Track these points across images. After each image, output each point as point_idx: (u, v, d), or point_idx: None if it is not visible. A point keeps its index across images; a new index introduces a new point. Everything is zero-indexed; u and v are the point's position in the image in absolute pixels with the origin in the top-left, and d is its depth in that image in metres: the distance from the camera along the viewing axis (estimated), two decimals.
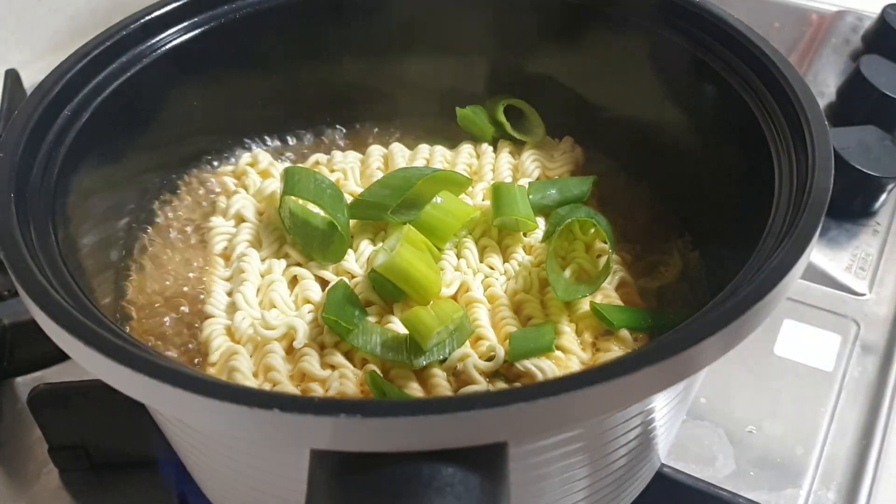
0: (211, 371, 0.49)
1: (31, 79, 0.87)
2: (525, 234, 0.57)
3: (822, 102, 0.86)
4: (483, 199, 0.59)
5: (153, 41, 0.56)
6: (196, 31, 0.57)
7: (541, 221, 0.58)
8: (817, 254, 0.72)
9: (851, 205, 0.76)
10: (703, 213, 0.56)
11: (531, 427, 0.33)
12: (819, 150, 0.44)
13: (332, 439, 0.33)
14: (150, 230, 0.58)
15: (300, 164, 0.62)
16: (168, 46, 0.56)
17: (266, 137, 0.66)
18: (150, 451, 0.57)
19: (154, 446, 0.54)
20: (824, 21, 0.99)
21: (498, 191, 0.57)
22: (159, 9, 0.56)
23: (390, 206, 0.54)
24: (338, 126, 0.68)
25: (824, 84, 0.88)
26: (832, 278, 0.71)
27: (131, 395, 0.35)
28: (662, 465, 0.56)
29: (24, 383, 0.66)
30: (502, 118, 0.64)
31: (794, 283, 0.39)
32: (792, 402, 0.62)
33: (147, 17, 0.55)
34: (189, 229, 0.58)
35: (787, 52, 0.95)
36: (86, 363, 0.36)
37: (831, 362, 0.65)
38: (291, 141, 0.66)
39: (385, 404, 0.33)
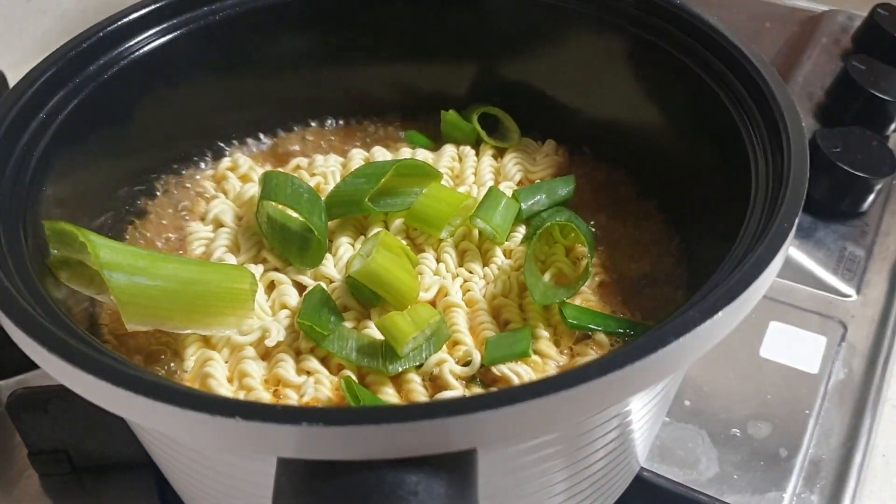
0: (186, 377, 0.49)
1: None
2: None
3: (811, 103, 0.85)
4: None
5: (130, 43, 0.55)
6: (174, 34, 0.57)
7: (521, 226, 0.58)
8: (804, 255, 0.72)
9: (839, 205, 0.75)
10: (685, 212, 0.56)
11: (498, 434, 0.33)
12: (795, 152, 0.44)
13: (296, 447, 0.33)
14: (126, 237, 0.57)
15: (280, 169, 0.62)
16: (145, 49, 0.56)
17: (246, 140, 0.65)
18: (132, 454, 0.57)
19: (135, 449, 0.54)
20: (814, 21, 0.98)
21: (489, 194, 0.57)
22: (137, 11, 0.55)
23: (368, 192, 0.54)
24: (317, 127, 0.67)
25: (813, 84, 0.88)
26: (819, 279, 0.71)
27: (93, 401, 0.35)
28: (642, 468, 0.55)
29: (6, 387, 0.65)
30: (477, 126, 0.64)
31: (768, 284, 0.39)
32: (777, 405, 0.62)
33: (125, 20, 0.55)
34: (166, 234, 0.58)
35: (777, 52, 0.94)
36: (46, 367, 0.36)
37: (817, 364, 0.65)
38: (270, 143, 0.66)
39: (348, 412, 0.32)
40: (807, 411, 0.62)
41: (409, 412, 0.32)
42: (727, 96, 0.51)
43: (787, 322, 0.68)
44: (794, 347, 0.66)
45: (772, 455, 0.59)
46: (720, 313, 0.36)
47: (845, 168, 0.73)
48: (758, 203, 0.44)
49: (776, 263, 0.39)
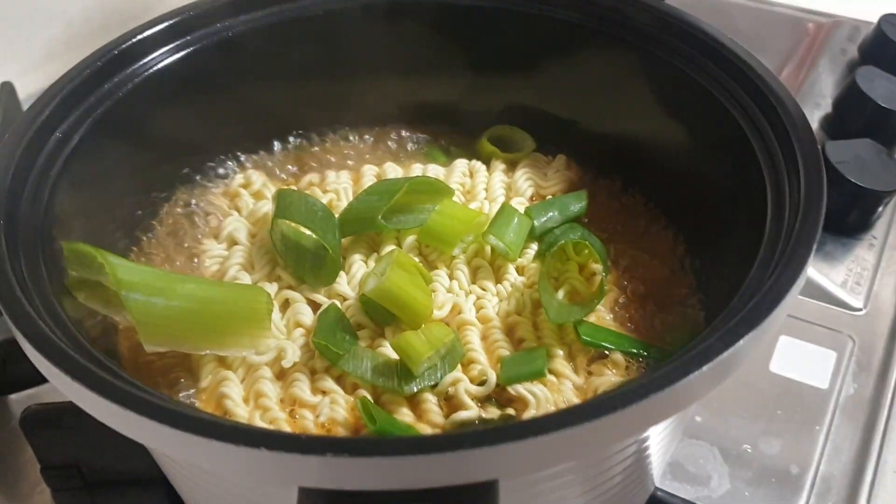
0: (201, 397, 0.49)
1: (27, 89, 0.87)
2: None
3: (819, 114, 0.85)
4: None
5: (145, 60, 0.56)
6: (188, 50, 0.57)
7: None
8: (812, 269, 0.71)
9: (847, 219, 0.75)
10: (699, 229, 0.56)
11: (521, 465, 0.33)
12: (810, 175, 0.44)
13: (319, 477, 0.33)
14: (140, 255, 0.57)
15: (292, 186, 0.62)
16: (161, 65, 0.56)
17: (259, 153, 0.65)
18: (144, 470, 0.57)
19: (147, 465, 0.54)
20: (821, 30, 0.98)
21: (502, 211, 0.57)
22: (151, 28, 0.56)
23: (381, 209, 0.54)
24: (330, 140, 0.67)
25: (821, 95, 0.88)
26: (828, 293, 0.71)
27: (116, 429, 0.35)
28: (656, 488, 0.55)
29: (18, 401, 0.65)
30: (491, 148, 0.64)
31: (788, 309, 0.39)
32: (787, 420, 0.61)
33: (139, 36, 0.55)
34: (179, 252, 0.58)
35: (784, 62, 0.94)
36: (68, 392, 0.36)
37: (826, 379, 0.65)
38: (282, 156, 0.66)
39: (373, 443, 0.32)
40: (817, 427, 0.62)
41: (434, 444, 0.32)
42: (741, 115, 0.51)
43: (796, 336, 0.68)
44: (804, 362, 0.66)
45: (783, 471, 0.59)
46: (742, 341, 0.36)
47: (853, 181, 0.73)
48: (774, 224, 0.44)
49: (796, 288, 0.39)
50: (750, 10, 1.02)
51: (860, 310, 0.70)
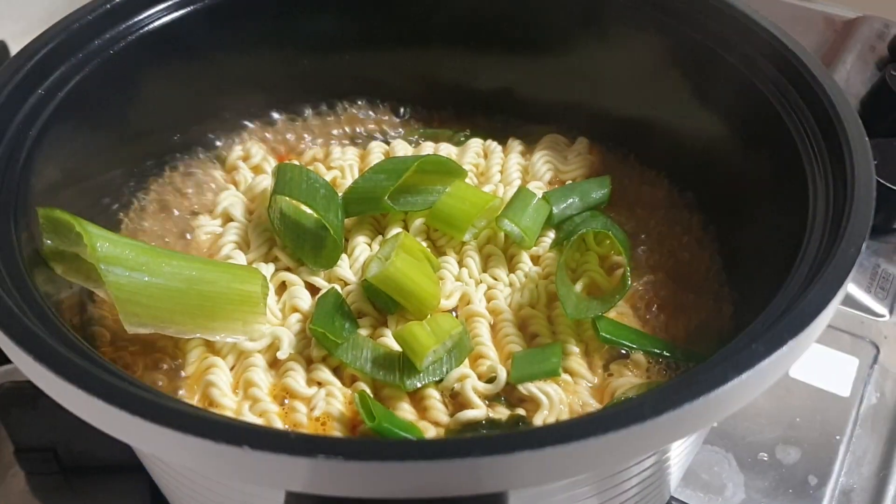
0: (186, 385, 0.45)
1: None
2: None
3: None
4: None
5: (140, 17, 0.52)
6: (187, 9, 0.53)
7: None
8: None
9: (872, 220, 0.72)
10: (732, 225, 0.53)
11: (535, 476, 0.30)
12: (860, 172, 0.40)
13: (308, 482, 0.29)
14: (124, 228, 0.54)
15: (294, 160, 0.58)
16: (157, 23, 0.53)
17: (256, 124, 0.61)
18: (124, 457, 0.54)
19: (128, 453, 0.51)
20: (848, 27, 0.96)
21: (518, 194, 0.53)
22: None
23: (387, 189, 0.51)
24: (330, 113, 0.63)
25: (849, 93, 0.85)
26: (851, 297, 0.68)
27: (81, 417, 0.32)
28: (672, 498, 0.52)
29: None
30: None
31: (832, 314, 0.36)
32: (807, 428, 0.59)
33: None
34: (168, 226, 0.54)
35: None
36: (32, 376, 0.34)
37: (848, 387, 0.63)
38: (281, 128, 0.62)
39: (370, 445, 0.29)
40: (837, 436, 0.59)
41: (440, 449, 0.28)
42: (781, 105, 0.47)
43: (818, 341, 0.64)
44: (825, 368, 0.63)
45: (801, 482, 0.57)
46: (786, 347, 0.32)
47: (881, 181, 0.70)
48: (817, 225, 0.40)
49: (842, 292, 0.36)
50: (777, 6, 1.00)
51: (884, 316, 0.68)
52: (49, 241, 0.42)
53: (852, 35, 0.93)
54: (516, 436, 0.29)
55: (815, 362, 0.63)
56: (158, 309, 0.41)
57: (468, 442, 0.29)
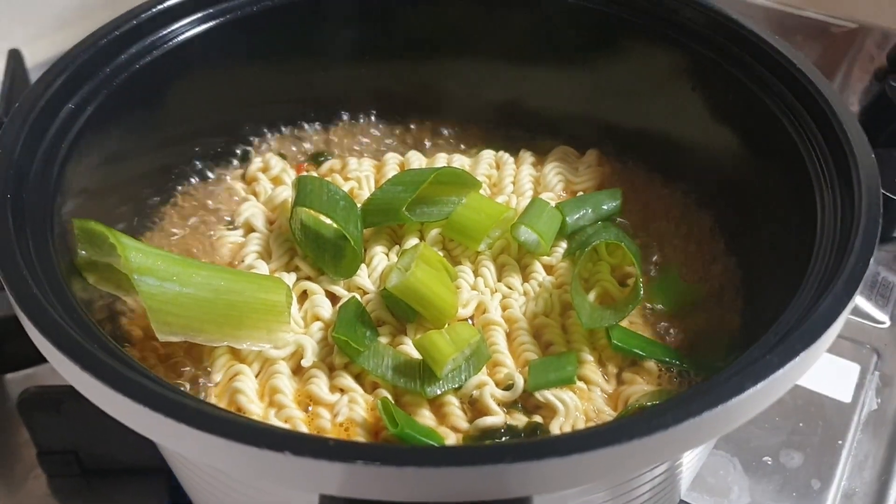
0: (213, 391, 0.46)
1: (35, 57, 0.84)
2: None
3: None
4: None
5: (165, 32, 0.53)
6: (211, 24, 0.55)
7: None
8: None
9: None
10: (743, 237, 0.54)
11: (560, 482, 0.31)
12: (866, 186, 0.42)
13: (343, 486, 0.31)
14: (151, 237, 0.55)
15: (313, 172, 0.59)
16: (181, 38, 0.54)
17: (276, 135, 0.63)
18: (144, 459, 0.55)
19: (148, 455, 0.52)
20: (848, 37, 0.96)
21: (533, 204, 0.55)
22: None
23: (405, 201, 0.52)
24: (348, 125, 0.65)
25: (848, 102, 0.86)
26: None
27: (126, 423, 0.33)
28: (681, 500, 0.54)
29: (15, 381, 0.63)
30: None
31: (842, 324, 0.37)
32: (809, 433, 0.60)
33: (160, 7, 0.52)
34: (193, 236, 0.55)
35: None
36: (72, 380, 0.35)
37: (850, 393, 0.64)
38: (301, 139, 0.63)
39: (405, 452, 0.30)
40: (839, 441, 0.60)
41: (472, 455, 0.30)
42: (788, 120, 0.48)
43: None
44: (827, 374, 0.64)
45: (804, 486, 0.58)
46: (799, 357, 0.34)
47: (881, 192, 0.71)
48: (826, 239, 0.42)
49: (851, 304, 0.37)
50: (776, 16, 1.00)
51: (884, 323, 0.69)
52: (83, 252, 0.43)
53: (851, 45, 0.94)
54: (545, 443, 0.30)
55: (818, 369, 0.64)
56: (189, 318, 0.43)
57: (499, 449, 0.30)
